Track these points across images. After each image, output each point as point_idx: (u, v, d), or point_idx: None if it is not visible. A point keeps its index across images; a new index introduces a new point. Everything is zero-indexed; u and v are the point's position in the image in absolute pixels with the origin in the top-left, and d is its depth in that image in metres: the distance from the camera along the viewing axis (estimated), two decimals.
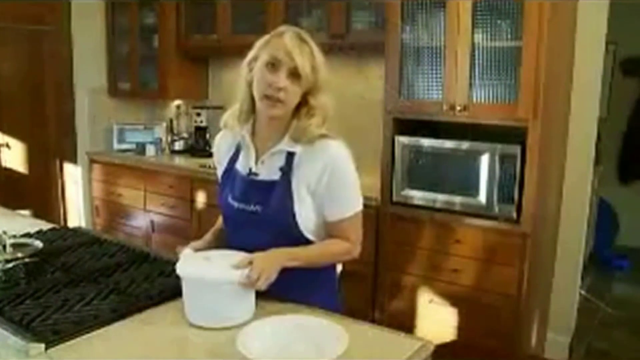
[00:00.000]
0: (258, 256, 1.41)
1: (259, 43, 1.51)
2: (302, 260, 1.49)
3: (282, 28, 1.50)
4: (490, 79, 2.61)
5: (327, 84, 1.51)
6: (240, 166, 1.60)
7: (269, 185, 1.52)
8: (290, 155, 1.51)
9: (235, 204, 1.57)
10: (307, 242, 1.55)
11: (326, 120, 1.53)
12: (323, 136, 1.51)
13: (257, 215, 1.53)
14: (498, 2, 2.54)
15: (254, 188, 1.54)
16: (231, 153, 1.64)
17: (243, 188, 1.56)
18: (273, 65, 1.44)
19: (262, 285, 1.37)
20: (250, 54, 1.52)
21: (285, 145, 1.52)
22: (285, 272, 1.49)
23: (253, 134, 1.58)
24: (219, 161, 1.69)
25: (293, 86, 1.45)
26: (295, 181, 1.50)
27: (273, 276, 1.40)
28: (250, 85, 1.52)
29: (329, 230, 1.56)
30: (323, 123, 1.52)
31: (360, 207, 1.57)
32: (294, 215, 1.50)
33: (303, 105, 1.50)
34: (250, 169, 1.57)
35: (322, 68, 1.48)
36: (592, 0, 2.81)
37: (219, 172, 1.69)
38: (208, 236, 1.68)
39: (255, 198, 1.52)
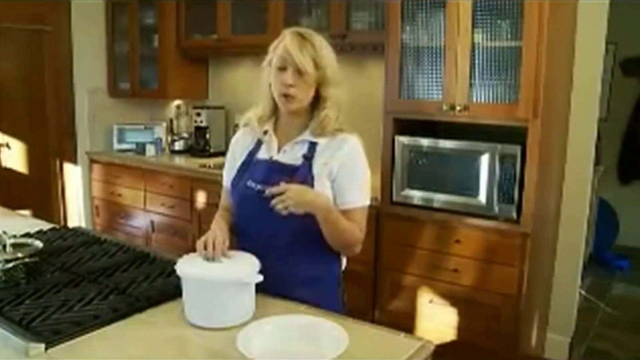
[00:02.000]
0: (294, 185, 1.47)
1: (271, 47, 1.60)
2: (328, 216, 1.52)
3: (285, 31, 1.59)
4: (490, 79, 2.61)
5: (335, 76, 1.59)
6: (262, 155, 1.67)
7: (292, 169, 1.58)
8: (312, 145, 1.60)
9: (257, 186, 1.60)
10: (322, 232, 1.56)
11: (340, 112, 1.62)
12: (342, 130, 1.61)
13: (277, 197, 1.53)
14: (498, 2, 2.55)
15: (276, 171, 1.59)
16: (251, 147, 1.70)
17: (265, 171, 1.62)
18: (281, 66, 1.55)
19: (280, 205, 1.43)
20: (267, 57, 1.62)
21: (308, 136, 1.61)
22: (286, 272, 1.49)
23: (275, 130, 1.67)
24: (234, 154, 1.73)
25: (300, 82, 1.54)
26: (316, 167, 1.58)
27: (294, 208, 1.44)
28: (270, 86, 1.62)
29: None
30: (337, 115, 1.61)
31: (368, 202, 1.64)
32: None
33: (319, 99, 1.60)
34: (271, 157, 1.64)
35: (328, 61, 1.58)
36: (592, 0, 2.81)
37: (230, 167, 1.72)
38: (222, 224, 1.65)
39: (277, 180, 1.53)
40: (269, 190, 1.46)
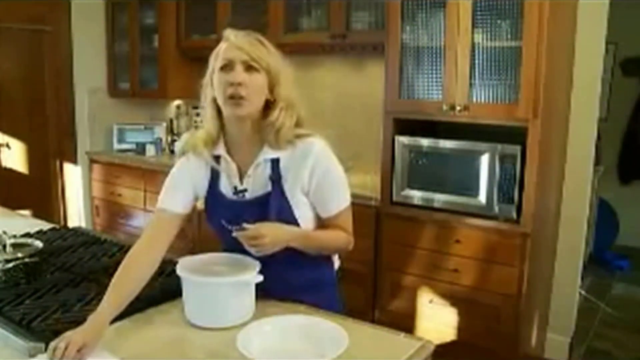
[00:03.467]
0: (266, 225, 1.39)
1: (212, 56, 1.49)
2: (308, 243, 1.49)
3: (226, 32, 1.47)
4: (490, 79, 2.61)
5: (286, 75, 1.46)
6: (224, 188, 1.52)
7: (262, 200, 1.46)
8: (275, 162, 1.46)
9: (233, 227, 1.40)
10: None
11: (299, 118, 1.48)
12: (301, 135, 1.47)
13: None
14: (498, 2, 2.55)
15: (247, 209, 1.47)
16: (207, 179, 1.53)
17: (235, 211, 1.47)
18: (227, 66, 1.41)
19: (253, 249, 1.36)
20: (208, 72, 1.51)
21: (267, 153, 1.46)
22: (287, 272, 1.49)
23: (229, 152, 1.51)
24: (184, 181, 1.54)
25: (252, 78, 1.40)
26: (288, 186, 1.47)
27: (268, 248, 1.37)
28: (215, 100, 1.48)
29: (326, 225, 1.56)
30: (296, 121, 1.47)
31: (349, 201, 1.58)
32: (295, 220, 1.49)
33: (270, 103, 1.45)
34: (235, 187, 1.50)
35: (277, 59, 1.45)
36: (592, 0, 2.81)
37: (176, 189, 1.53)
38: (107, 303, 1.33)
39: (252, 217, 1.41)
40: (242, 234, 1.35)
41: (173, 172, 1.57)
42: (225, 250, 1.58)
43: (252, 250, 1.38)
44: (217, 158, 1.51)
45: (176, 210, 1.51)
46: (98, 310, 1.29)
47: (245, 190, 1.49)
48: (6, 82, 4.10)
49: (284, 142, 1.45)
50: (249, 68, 1.40)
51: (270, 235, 1.37)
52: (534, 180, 2.54)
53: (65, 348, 1.16)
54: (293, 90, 1.47)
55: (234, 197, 1.50)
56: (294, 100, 1.47)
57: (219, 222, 1.48)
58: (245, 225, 1.37)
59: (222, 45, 1.45)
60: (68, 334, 1.21)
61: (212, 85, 1.48)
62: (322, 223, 1.56)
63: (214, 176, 1.53)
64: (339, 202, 1.54)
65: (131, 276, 1.40)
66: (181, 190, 1.53)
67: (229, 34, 1.45)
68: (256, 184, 1.48)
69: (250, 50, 1.40)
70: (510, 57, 2.56)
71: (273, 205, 1.46)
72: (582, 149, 2.91)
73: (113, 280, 1.38)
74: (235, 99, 1.40)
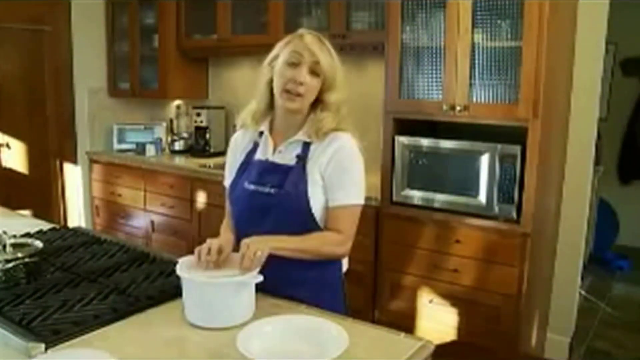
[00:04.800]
0: (246, 240, 1.43)
1: (280, 43, 1.60)
2: (290, 245, 1.50)
3: (301, 31, 1.60)
4: (490, 79, 2.61)
5: (342, 83, 1.60)
6: (258, 157, 1.67)
7: (285, 169, 1.58)
8: (306, 145, 1.59)
9: (251, 187, 1.61)
10: (317, 228, 1.57)
11: (339, 118, 1.61)
12: (335, 129, 1.59)
13: (271, 197, 1.57)
14: (498, 2, 2.54)
15: (270, 171, 1.60)
16: (248, 149, 1.70)
17: (259, 171, 1.62)
18: (294, 63, 1.53)
19: (252, 262, 1.38)
20: (272, 54, 1.61)
21: (302, 136, 1.60)
22: (289, 273, 1.50)
23: (271, 129, 1.66)
24: (234, 155, 1.73)
25: (312, 81, 1.55)
26: (309, 167, 1.57)
27: (262, 252, 1.40)
28: (270, 83, 1.61)
29: (327, 217, 1.59)
30: (335, 119, 1.60)
31: (359, 202, 1.60)
32: (307, 199, 1.55)
33: (319, 102, 1.60)
34: (267, 158, 1.64)
35: (339, 68, 1.59)
36: (592, 0, 2.81)
37: (231, 167, 1.72)
38: (227, 235, 1.66)
39: (270, 181, 1.57)
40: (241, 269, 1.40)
41: (230, 145, 1.78)
42: (239, 225, 1.66)
43: (246, 265, 1.39)
44: (260, 133, 1.67)
45: None
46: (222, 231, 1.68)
47: (274, 161, 1.63)
48: (6, 82, 4.10)
49: (320, 133, 1.58)
50: (312, 71, 1.54)
51: (254, 244, 1.41)
52: (534, 180, 2.54)
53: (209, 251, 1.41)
54: (343, 93, 1.61)
55: (264, 161, 1.64)
56: (341, 104, 1.61)
57: (241, 188, 1.63)
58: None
59: (294, 41, 1.56)
60: (208, 241, 1.45)
61: (272, 69, 1.59)
62: (326, 215, 1.59)
63: (254, 147, 1.69)
64: (347, 195, 1.57)
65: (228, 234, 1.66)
66: (233, 166, 1.71)
67: (304, 32, 1.58)
68: (284, 158, 1.61)
69: (319, 56, 1.54)
70: (510, 57, 2.56)
71: (291, 176, 1.56)
72: (582, 149, 2.92)
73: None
74: (291, 94, 1.54)
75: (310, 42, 1.54)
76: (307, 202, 1.55)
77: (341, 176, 1.57)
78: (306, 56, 1.53)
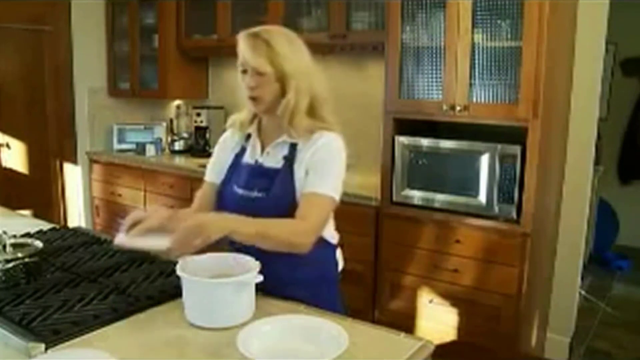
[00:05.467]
0: (201, 217, 1.41)
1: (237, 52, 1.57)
2: (249, 229, 1.41)
3: (240, 34, 1.54)
4: (490, 79, 2.61)
5: (296, 68, 1.52)
6: (247, 158, 1.67)
7: (273, 172, 1.58)
8: (293, 146, 1.58)
9: (240, 191, 1.61)
10: None
11: (314, 106, 1.56)
12: (321, 128, 1.57)
13: (259, 201, 1.57)
14: (498, 2, 2.54)
15: (258, 175, 1.60)
16: (237, 150, 1.70)
17: (248, 176, 1.62)
18: (242, 70, 1.55)
19: (185, 246, 1.35)
20: None
21: (286, 137, 1.59)
22: (284, 273, 1.50)
23: (259, 130, 1.67)
24: (223, 152, 1.72)
25: (262, 82, 1.51)
26: (296, 168, 1.56)
27: (208, 238, 1.35)
28: None
29: (299, 206, 1.52)
30: (309, 110, 1.55)
31: (333, 195, 1.53)
32: (295, 201, 1.53)
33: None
34: (256, 160, 1.64)
35: (284, 55, 1.50)
36: (592, 0, 2.81)
37: (215, 164, 1.72)
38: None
39: (258, 185, 1.58)
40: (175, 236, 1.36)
41: (219, 142, 1.77)
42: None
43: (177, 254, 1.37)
44: (249, 136, 1.68)
45: (213, 180, 1.72)
46: None
47: (263, 164, 1.63)
48: (6, 82, 4.10)
49: (299, 129, 1.54)
50: (257, 73, 1.51)
51: (205, 217, 1.41)
52: (534, 180, 2.54)
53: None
54: (304, 77, 1.53)
55: (252, 164, 1.65)
56: (304, 90, 1.53)
57: (230, 191, 1.63)
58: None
59: (238, 47, 1.54)
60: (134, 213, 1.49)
61: None
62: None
63: (242, 150, 1.69)
64: (321, 184, 1.52)
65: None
66: (217, 163, 1.72)
67: (240, 38, 1.54)
68: (271, 160, 1.61)
69: (253, 60, 1.49)
70: (510, 57, 2.56)
71: (278, 179, 1.56)
72: (582, 149, 2.92)
73: None
74: (252, 99, 1.55)
75: (242, 45, 1.51)
76: (295, 204, 1.53)
77: (320, 166, 1.54)
78: (245, 61, 1.51)
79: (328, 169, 1.55)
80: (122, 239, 1.44)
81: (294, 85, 1.52)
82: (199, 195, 1.74)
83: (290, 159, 1.57)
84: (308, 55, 1.57)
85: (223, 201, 1.66)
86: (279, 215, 1.52)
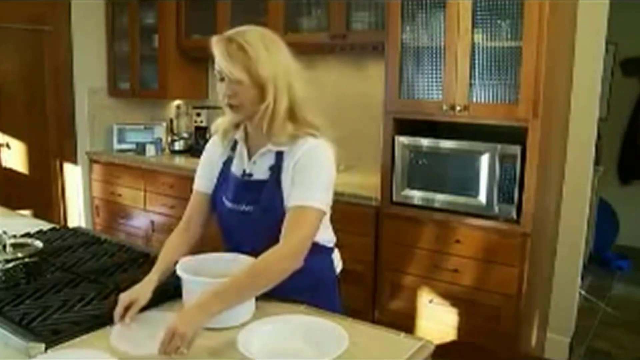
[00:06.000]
0: (175, 323, 1.23)
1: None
2: (234, 298, 1.33)
3: (213, 39, 1.47)
4: (490, 79, 2.61)
5: (274, 72, 1.43)
6: (235, 168, 1.62)
7: (260, 184, 1.54)
8: (279, 155, 1.53)
9: (229, 205, 1.58)
10: None
11: (294, 108, 1.48)
12: (304, 134, 1.50)
13: (248, 215, 1.54)
14: (498, 2, 2.54)
15: (246, 189, 1.56)
16: (225, 157, 1.65)
17: (236, 189, 1.58)
18: (219, 78, 1.48)
19: (179, 347, 1.21)
20: None
21: (272, 146, 1.53)
22: (287, 283, 1.46)
23: (246, 137, 1.61)
24: (211, 157, 1.68)
25: (239, 90, 1.45)
26: (283, 177, 1.51)
27: (188, 336, 1.21)
28: None
29: (285, 222, 1.45)
30: (290, 114, 1.48)
31: (321, 207, 1.45)
32: (283, 211, 1.48)
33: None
34: (244, 170, 1.59)
35: (258, 59, 1.41)
36: (592, 0, 2.81)
37: (205, 168, 1.69)
38: (157, 267, 1.53)
39: (246, 198, 1.54)
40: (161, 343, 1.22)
41: (203, 154, 1.72)
42: (224, 236, 1.64)
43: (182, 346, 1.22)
44: (235, 143, 1.63)
45: (204, 190, 1.68)
46: (162, 254, 1.57)
47: (251, 174, 1.58)
48: (6, 82, 4.10)
49: (281, 135, 1.48)
50: (234, 80, 1.44)
51: (180, 321, 1.23)
52: (534, 180, 2.54)
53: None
54: (281, 80, 1.45)
55: (240, 178, 1.59)
56: (282, 93, 1.45)
57: (221, 202, 1.60)
58: None
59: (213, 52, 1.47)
60: (121, 295, 1.40)
61: None
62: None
63: (229, 158, 1.64)
64: (307, 196, 1.44)
65: (171, 251, 1.59)
66: (207, 172, 1.68)
67: (213, 43, 1.46)
68: (259, 170, 1.56)
69: (227, 67, 1.42)
70: (510, 57, 2.55)
71: (265, 191, 1.52)
72: (582, 149, 2.92)
73: (160, 255, 1.58)
74: (230, 107, 1.49)
75: (217, 52, 1.44)
76: (284, 215, 1.46)
77: (305, 174, 1.46)
78: (220, 68, 1.44)
79: (313, 179, 1.46)
80: (118, 332, 1.34)
81: (272, 89, 1.44)
82: (189, 205, 1.68)
83: (276, 169, 1.52)
84: (287, 55, 1.49)
85: (216, 210, 1.64)
86: (268, 227, 1.47)
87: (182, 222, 1.67)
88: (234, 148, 1.63)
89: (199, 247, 1.65)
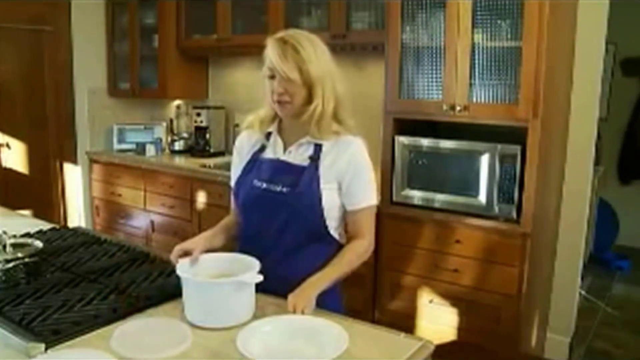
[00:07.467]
0: (291, 299, 1.43)
1: (264, 55, 1.58)
2: (334, 275, 1.55)
3: (269, 39, 1.55)
4: (490, 79, 2.61)
5: (323, 73, 1.54)
6: (268, 155, 1.68)
7: (299, 169, 1.59)
8: (318, 147, 1.60)
9: (263, 185, 1.61)
10: (326, 231, 1.59)
11: (337, 112, 1.59)
12: (345, 132, 1.61)
13: (283, 196, 1.57)
14: (498, 2, 2.55)
15: (283, 170, 1.61)
16: (255, 149, 1.70)
17: (272, 170, 1.62)
18: (270, 75, 1.55)
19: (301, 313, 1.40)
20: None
21: (311, 138, 1.60)
22: (289, 273, 1.50)
23: (279, 131, 1.67)
24: (240, 155, 1.74)
25: (290, 87, 1.53)
26: (322, 168, 1.58)
27: (308, 305, 1.42)
28: None
29: (347, 222, 1.65)
30: (334, 113, 1.58)
31: (375, 202, 1.65)
32: (320, 199, 1.56)
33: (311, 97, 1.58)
34: (278, 158, 1.65)
35: (312, 60, 1.52)
36: (592, 0, 2.81)
37: (237, 167, 1.73)
38: (213, 230, 1.70)
39: (283, 180, 1.58)
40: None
41: (236, 145, 1.78)
42: (246, 222, 1.68)
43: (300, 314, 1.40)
44: (269, 134, 1.68)
45: None
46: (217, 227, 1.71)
47: (287, 161, 1.63)
48: (6, 82, 4.10)
49: (326, 132, 1.58)
50: (287, 78, 1.52)
51: (304, 300, 1.42)
52: (534, 180, 2.54)
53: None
54: (329, 84, 1.56)
55: (276, 160, 1.65)
56: (329, 94, 1.56)
57: (250, 186, 1.64)
58: None
59: (266, 51, 1.55)
60: (176, 247, 1.54)
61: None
62: (346, 218, 1.64)
63: (261, 148, 1.69)
64: (366, 198, 1.62)
65: (227, 226, 1.74)
66: (239, 167, 1.72)
67: (268, 43, 1.54)
68: (295, 159, 1.62)
69: (281, 67, 1.50)
70: (510, 57, 2.56)
71: (305, 176, 1.57)
72: (582, 149, 2.92)
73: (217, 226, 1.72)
74: (279, 104, 1.56)
75: (271, 52, 1.52)
76: (320, 201, 1.56)
77: (359, 181, 1.60)
78: (274, 67, 1.52)
79: (367, 178, 1.62)
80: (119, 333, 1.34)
81: (321, 91, 1.54)
82: (233, 208, 1.77)
83: (316, 159, 1.59)
84: (330, 57, 1.59)
85: (242, 196, 1.67)
86: (302, 211, 1.56)
87: (231, 213, 1.77)
88: (267, 138, 1.69)
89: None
